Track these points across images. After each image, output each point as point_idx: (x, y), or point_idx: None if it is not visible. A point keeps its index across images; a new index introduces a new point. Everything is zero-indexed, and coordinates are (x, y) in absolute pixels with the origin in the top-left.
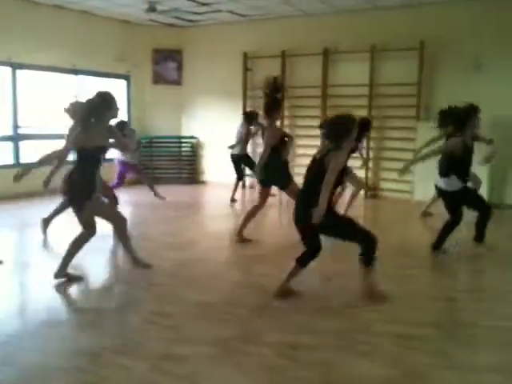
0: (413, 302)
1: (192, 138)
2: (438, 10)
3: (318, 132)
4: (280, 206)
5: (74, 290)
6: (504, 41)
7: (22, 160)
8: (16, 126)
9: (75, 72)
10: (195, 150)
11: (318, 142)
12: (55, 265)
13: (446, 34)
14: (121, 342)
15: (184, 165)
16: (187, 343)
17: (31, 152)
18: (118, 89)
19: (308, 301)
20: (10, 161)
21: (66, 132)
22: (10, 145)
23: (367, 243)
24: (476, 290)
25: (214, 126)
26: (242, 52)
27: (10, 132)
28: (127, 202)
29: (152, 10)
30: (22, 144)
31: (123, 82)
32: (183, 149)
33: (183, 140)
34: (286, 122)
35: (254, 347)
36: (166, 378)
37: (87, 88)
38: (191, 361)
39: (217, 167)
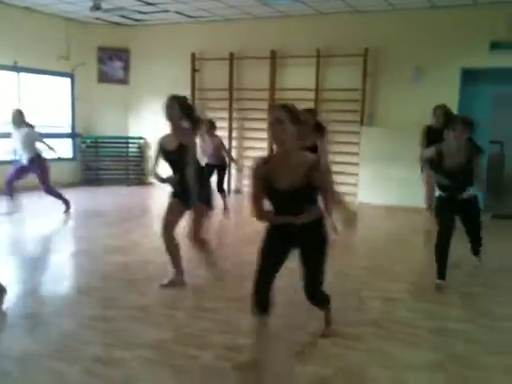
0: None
1: (139, 138)
2: (383, 18)
3: (265, 134)
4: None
5: (9, 294)
6: (441, 52)
7: None
8: None
9: (17, 69)
10: (142, 151)
11: (264, 144)
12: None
13: (389, 43)
14: (55, 346)
15: (131, 166)
16: (124, 347)
17: None
18: (61, 87)
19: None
20: None
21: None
22: None
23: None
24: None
25: (163, 127)
26: (190, 53)
27: None
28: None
29: (96, 8)
30: None
31: (67, 81)
32: (130, 149)
33: (130, 140)
34: (234, 125)
35: (192, 349)
36: (98, 380)
37: (29, 86)
38: (127, 364)
39: (165, 168)
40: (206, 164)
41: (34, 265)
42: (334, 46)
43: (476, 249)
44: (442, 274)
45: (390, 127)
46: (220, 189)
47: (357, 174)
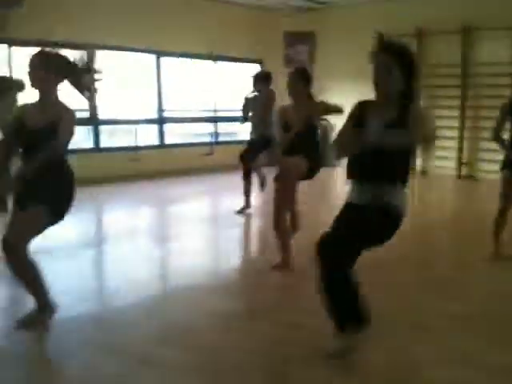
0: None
1: (323, 120)
2: None
3: (456, 113)
4: None
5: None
6: None
7: (167, 141)
8: (161, 110)
9: (213, 58)
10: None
11: (456, 123)
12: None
13: None
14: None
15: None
16: None
17: (174, 134)
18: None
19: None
20: (156, 142)
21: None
22: (155, 128)
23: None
24: None
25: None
26: (375, 32)
27: (155, 115)
28: None
29: None
30: (166, 126)
31: (257, 66)
32: None
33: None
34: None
35: None
36: None
37: (224, 73)
38: None
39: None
40: None
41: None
42: None
43: None
44: None
45: None
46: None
47: None
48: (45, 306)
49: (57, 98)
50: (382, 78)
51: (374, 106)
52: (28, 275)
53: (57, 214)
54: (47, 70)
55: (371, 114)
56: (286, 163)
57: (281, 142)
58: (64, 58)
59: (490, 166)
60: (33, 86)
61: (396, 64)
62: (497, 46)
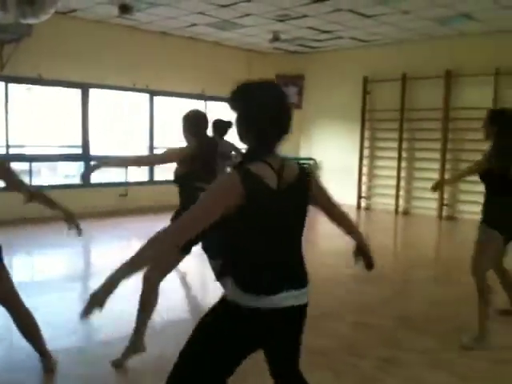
0: None
1: (309, 159)
2: None
3: (437, 155)
4: None
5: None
6: None
7: (156, 177)
8: (152, 147)
9: (204, 98)
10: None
11: (436, 165)
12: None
13: None
14: None
15: None
16: None
17: (163, 170)
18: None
19: None
20: (146, 178)
21: None
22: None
23: None
24: None
25: (332, 149)
26: (362, 76)
27: (146, 152)
28: None
29: (276, 39)
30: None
31: None
32: None
33: (301, 161)
34: (404, 145)
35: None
36: None
37: (214, 112)
38: None
39: (335, 188)
40: None
41: None
42: None
43: None
44: None
45: None
46: None
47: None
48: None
49: None
50: None
51: None
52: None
53: None
54: None
55: None
56: None
57: None
58: None
59: (471, 207)
60: None
61: None
62: (477, 91)
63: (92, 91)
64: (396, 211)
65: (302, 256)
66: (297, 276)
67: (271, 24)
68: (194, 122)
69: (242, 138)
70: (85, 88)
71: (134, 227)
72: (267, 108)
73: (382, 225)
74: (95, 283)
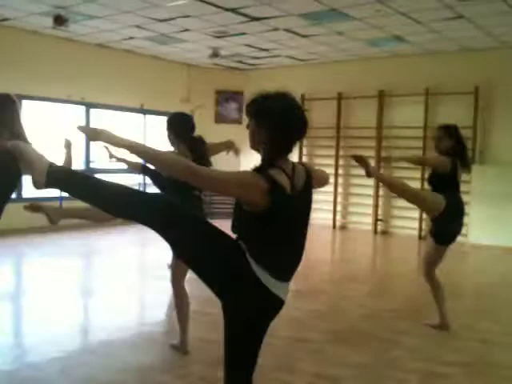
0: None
1: None
2: (493, 56)
3: None
4: None
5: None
6: None
7: None
8: (88, 161)
9: (143, 111)
10: None
11: (371, 182)
12: (115, 291)
13: (500, 80)
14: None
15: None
16: None
17: None
18: None
19: None
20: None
21: None
22: None
23: None
24: None
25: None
26: (300, 94)
27: (82, 166)
28: None
29: (215, 55)
30: None
31: None
32: None
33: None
34: (341, 162)
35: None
36: None
37: (152, 126)
38: None
39: None
40: None
41: None
42: (443, 84)
43: None
44: None
45: (503, 165)
46: None
47: (468, 214)
48: None
49: None
50: None
51: None
52: None
53: None
54: None
55: None
56: None
57: None
58: None
59: (404, 222)
60: None
61: None
62: (409, 111)
63: (25, 103)
64: (334, 226)
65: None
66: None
67: (210, 40)
68: (180, 125)
69: (258, 145)
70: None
71: (67, 244)
72: (288, 120)
73: (321, 239)
74: (27, 302)
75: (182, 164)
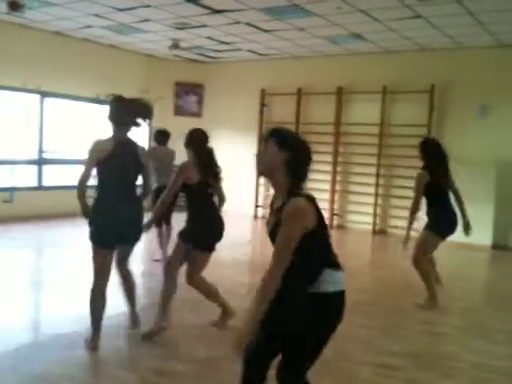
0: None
1: None
2: (449, 56)
3: (328, 167)
4: None
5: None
6: (509, 86)
7: (45, 183)
8: (41, 151)
9: (100, 101)
10: None
11: (328, 177)
12: (67, 284)
13: (455, 80)
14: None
15: None
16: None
17: (53, 176)
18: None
19: None
20: (34, 183)
21: None
22: (34, 168)
23: None
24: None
25: (232, 158)
26: (260, 88)
27: (35, 156)
28: None
29: (175, 46)
30: (46, 168)
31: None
32: None
33: None
34: None
35: None
36: None
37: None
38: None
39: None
40: None
41: None
42: (401, 82)
43: None
44: None
45: (456, 163)
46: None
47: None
48: None
49: None
50: None
51: None
52: None
53: None
54: None
55: None
56: None
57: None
58: None
59: (359, 217)
60: None
61: None
62: (366, 108)
63: None
64: None
65: None
66: None
67: (171, 31)
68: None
69: (283, 175)
70: None
71: (20, 236)
72: (307, 156)
73: None
74: None
75: (268, 286)
